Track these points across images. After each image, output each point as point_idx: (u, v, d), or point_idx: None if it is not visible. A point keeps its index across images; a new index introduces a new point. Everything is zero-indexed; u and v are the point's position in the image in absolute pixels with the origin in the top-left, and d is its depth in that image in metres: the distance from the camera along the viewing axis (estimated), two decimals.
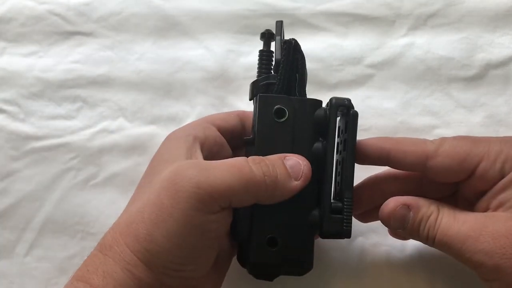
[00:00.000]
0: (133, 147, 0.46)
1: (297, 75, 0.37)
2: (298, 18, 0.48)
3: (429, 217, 0.35)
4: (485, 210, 0.35)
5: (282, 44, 0.37)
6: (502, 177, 0.35)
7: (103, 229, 0.43)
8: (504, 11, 0.47)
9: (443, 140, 0.36)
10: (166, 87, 0.47)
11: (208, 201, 0.32)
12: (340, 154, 0.37)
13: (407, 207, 0.35)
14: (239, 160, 0.34)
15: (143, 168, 0.38)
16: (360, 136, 0.36)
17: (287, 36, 0.37)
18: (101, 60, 0.47)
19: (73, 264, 0.44)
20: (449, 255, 0.35)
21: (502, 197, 0.35)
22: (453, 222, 0.34)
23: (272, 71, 0.38)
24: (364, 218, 0.40)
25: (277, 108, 0.36)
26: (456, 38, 0.47)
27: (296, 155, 0.35)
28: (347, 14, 0.48)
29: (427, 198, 0.38)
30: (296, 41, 0.37)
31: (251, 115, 0.38)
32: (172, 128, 0.45)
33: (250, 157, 0.34)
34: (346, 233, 0.35)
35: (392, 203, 0.36)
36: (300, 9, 0.48)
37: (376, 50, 0.47)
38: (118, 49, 0.48)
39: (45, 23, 0.48)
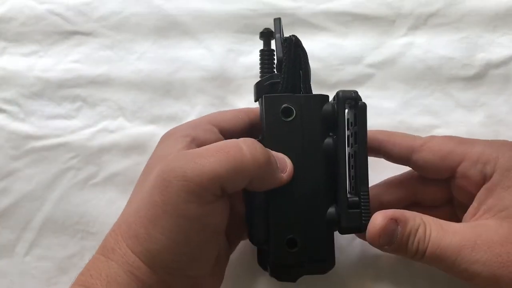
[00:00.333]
0: (133, 147, 0.46)
1: (300, 71, 0.37)
2: (298, 18, 0.47)
3: (417, 230, 0.34)
4: (474, 216, 0.35)
5: (282, 41, 0.36)
6: (484, 178, 0.35)
7: (103, 228, 0.44)
8: (504, 11, 0.47)
9: (432, 137, 0.38)
10: (166, 87, 0.47)
11: (198, 191, 0.31)
12: (351, 147, 0.37)
13: (395, 221, 0.34)
14: (227, 143, 0.33)
15: (143, 168, 0.38)
16: None
17: (286, 35, 0.37)
18: (101, 60, 0.47)
19: (73, 264, 0.44)
20: (439, 268, 0.34)
21: (489, 202, 0.35)
22: (443, 234, 0.33)
23: (275, 70, 0.38)
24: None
25: (284, 108, 0.36)
26: (456, 37, 0.47)
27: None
28: (347, 14, 0.48)
29: (422, 205, 0.39)
30: (296, 37, 0.36)
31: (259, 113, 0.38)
32: (171, 128, 0.45)
33: (242, 139, 0.33)
34: (365, 227, 0.34)
35: (380, 218, 0.34)
36: (301, 8, 0.48)
37: (376, 50, 0.47)
38: (118, 49, 0.48)
39: (45, 22, 0.48)
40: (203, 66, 0.47)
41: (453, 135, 0.40)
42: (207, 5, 0.48)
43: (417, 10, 0.47)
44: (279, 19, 0.37)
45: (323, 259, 0.36)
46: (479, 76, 0.46)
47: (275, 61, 0.38)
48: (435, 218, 0.35)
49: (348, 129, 0.37)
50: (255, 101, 0.38)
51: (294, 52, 0.36)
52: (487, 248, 0.32)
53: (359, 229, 0.35)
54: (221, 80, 0.47)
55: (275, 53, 0.38)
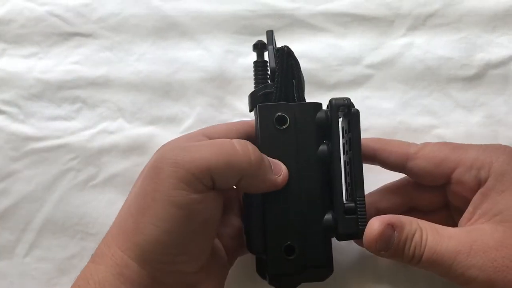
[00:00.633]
0: (133, 148, 0.46)
1: (293, 80, 0.37)
2: (297, 19, 0.48)
3: (413, 235, 0.34)
4: (469, 220, 0.35)
5: (275, 52, 0.37)
6: (479, 183, 0.35)
7: (102, 229, 0.44)
8: (503, 11, 0.47)
9: (426, 144, 0.38)
10: (165, 88, 0.47)
11: (188, 178, 0.31)
12: (346, 154, 0.37)
13: (391, 226, 0.34)
14: (221, 139, 0.34)
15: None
16: None
17: (285, 36, 0.37)
18: (101, 61, 0.47)
19: (73, 265, 0.44)
20: (435, 272, 0.34)
21: (484, 207, 0.35)
22: (439, 239, 0.33)
23: (269, 81, 0.39)
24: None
25: (277, 116, 0.36)
26: (455, 38, 0.47)
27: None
28: (346, 14, 0.48)
29: (418, 210, 0.39)
30: (288, 48, 0.37)
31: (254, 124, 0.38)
32: (171, 129, 0.46)
33: (236, 139, 0.34)
34: (362, 232, 0.35)
35: (377, 224, 0.34)
36: (299, 9, 0.48)
37: (375, 50, 0.47)
38: (117, 50, 0.48)
39: (44, 24, 0.48)
40: (202, 67, 0.47)
41: (453, 135, 0.40)
42: (205, 6, 0.48)
43: (416, 10, 0.47)
44: (271, 31, 0.38)
45: (321, 265, 0.36)
46: (478, 76, 0.46)
47: (269, 72, 0.38)
48: (431, 223, 0.35)
49: (342, 137, 0.37)
50: (250, 111, 0.39)
51: (287, 62, 0.37)
52: (482, 253, 0.32)
53: (356, 235, 0.35)
54: (220, 81, 0.47)
55: (268, 64, 0.38)
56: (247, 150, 0.33)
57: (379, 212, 0.36)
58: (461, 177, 0.36)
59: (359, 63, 0.47)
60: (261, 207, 0.36)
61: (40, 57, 0.48)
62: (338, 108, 0.36)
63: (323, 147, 0.36)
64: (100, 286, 0.31)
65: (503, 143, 0.37)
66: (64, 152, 0.46)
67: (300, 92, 0.37)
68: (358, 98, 0.46)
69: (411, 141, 0.39)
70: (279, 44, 0.38)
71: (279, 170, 0.35)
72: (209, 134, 0.38)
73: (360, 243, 0.39)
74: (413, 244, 0.33)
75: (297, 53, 0.37)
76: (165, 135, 0.45)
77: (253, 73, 0.39)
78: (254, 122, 0.39)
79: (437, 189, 0.38)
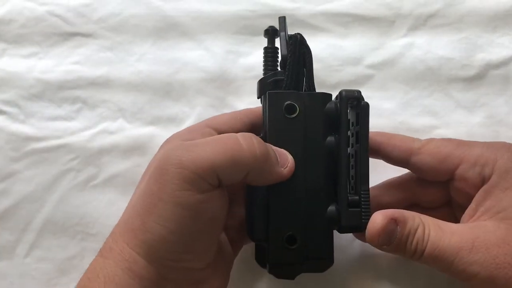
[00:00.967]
0: (133, 148, 0.46)
1: (304, 69, 0.37)
2: (298, 19, 0.47)
3: (416, 230, 0.34)
4: (472, 217, 0.35)
5: (287, 39, 0.36)
6: (483, 180, 0.35)
7: (103, 230, 0.44)
8: (504, 11, 0.47)
9: (430, 140, 0.38)
10: (166, 88, 0.47)
11: (194, 179, 0.31)
12: (352, 147, 0.37)
13: (394, 221, 0.34)
14: (225, 135, 0.34)
15: (143, 169, 0.38)
16: None
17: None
18: (101, 61, 0.47)
19: (73, 265, 0.44)
20: (437, 268, 0.34)
21: (487, 204, 0.35)
22: (442, 234, 0.33)
23: (279, 68, 0.38)
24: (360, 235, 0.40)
25: (287, 104, 0.36)
26: (456, 38, 0.47)
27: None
28: (346, 15, 0.48)
29: (421, 206, 0.39)
30: (301, 36, 0.37)
31: (260, 113, 0.38)
32: (171, 129, 0.46)
33: (240, 133, 0.34)
34: (365, 226, 0.35)
35: (380, 218, 0.34)
36: (300, 9, 0.48)
37: (375, 51, 0.47)
38: (117, 50, 0.48)
39: (45, 24, 0.48)
40: (202, 67, 0.47)
41: (453, 135, 0.40)
42: (206, 6, 0.48)
43: (416, 10, 0.47)
44: (284, 17, 0.38)
45: (322, 257, 0.36)
46: (479, 77, 0.46)
47: (279, 59, 0.38)
48: (433, 219, 0.35)
49: (349, 129, 0.37)
50: (258, 97, 0.39)
51: (299, 50, 0.36)
52: (484, 250, 0.32)
53: (359, 228, 0.35)
54: (220, 81, 0.47)
55: (279, 50, 0.38)
56: (252, 144, 0.33)
57: (381, 207, 0.36)
58: (465, 173, 0.36)
59: (360, 63, 0.47)
60: (264, 196, 0.36)
61: (40, 57, 0.48)
62: (348, 100, 0.36)
63: (330, 139, 0.36)
64: (109, 279, 0.31)
65: None
66: (64, 152, 0.46)
67: (310, 81, 0.37)
68: None
69: None
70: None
71: (285, 161, 0.35)
72: (213, 125, 0.38)
73: (360, 237, 0.40)
74: (415, 239, 0.34)
75: None
76: (165, 135, 0.44)
77: (263, 59, 0.39)
78: (258, 110, 0.39)
79: (440, 185, 0.38)
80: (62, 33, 0.48)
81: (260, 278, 0.43)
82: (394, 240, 0.34)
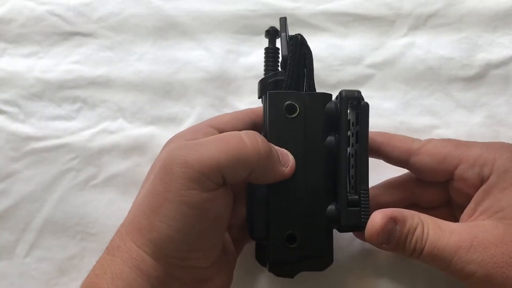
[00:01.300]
0: (133, 148, 0.46)
1: (305, 70, 0.37)
2: (298, 18, 0.47)
3: (415, 229, 0.34)
4: (470, 217, 0.36)
5: (288, 40, 0.37)
6: (482, 180, 0.36)
7: (103, 229, 0.44)
8: (504, 11, 0.47)
9: (429, 140, 0.38)
10: (166, 88, 0.47)
11: (198, 178, 0.31)
12: (352, 147, 0.37)
13: (394, 220, 0.34)
14: (229, 133, 0.34)
15: (143, 169, 0.39)
16: None
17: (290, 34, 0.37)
18: (101, 61, 0.47)
19: (73, 265, 0.44)
20: (435, 266, 0.34)
21: (485, 204, 0.35)
22: (440, 233, 0.34)
23: (279, 68, 0.39)
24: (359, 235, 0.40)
25: (287, 104, 0.36)
26: (456, 38, 0.47)
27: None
28: (347, 14, 0.48)
29: (420, 206, 0.40)
30: (302, 36, 0.37)
31: (261, 112, 0.38)
32: (171, 129, 0.46)
33: (244, 131, 0.34)
34: (364, 225, 0.35)
35: (379, 218, 0.34)
36: (300, 9, 0.48)
37: (376, 50, 0.47)
38: (117, 50, 0.48)
39: (45, 23, 0.48)
40: (202, 67, 0.47)
41: (454, 135, 0.40)
42: (206, 5, 0.48)
43: (416, 10, 0.47)
44: (285, 18, 0.38)
45: (322, 255, 0.36)
46: (479, 77, 0.46)
47: (280, 59, 0.38)
48: (432, 218, 0.35)
49: (349, 129, 0.37)
50: (259, 97, 0.39)
51: (299, 50, 0.37)
52: (482, 249, 0.33)
53: (358, 227, 0.35)
54: (220, 81, 0.47)
55: (279, 51, 0.38)
56: (256, 142, 0.33)
57: (380, 206, 0.36)
58: (464, 173, 0.36)
59: (360, 63, 0.47)
60: (265, 195, 0.36)
61: (40, 56, 0.48)
62: (348, 100, 0.36)
63: (330, 138, 0.36)
64: (117, 276, 0.32)
65: None
66: (64, 152, 0.46)
67: (311, 81, 0.37)
68: None
69: None
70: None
71: (287, 160, 0.35)
72: (215, 125, 0.38)
73: (360, 236, 0.40)
74: (414, 238, 0.34)
75: None
76: (165, 135, 0.45)
77: (264, 59, 0.39)
78: (260, 110, 0.39)
79: (439, 186, 0.39)
80: (62, 33, 0.48)
81: (260, 277, 0.43)
82: (393, 239, 0.34)
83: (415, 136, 0.40)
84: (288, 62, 0.37)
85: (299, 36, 0.37)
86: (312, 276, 0.41)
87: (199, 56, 0.47)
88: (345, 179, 0.36)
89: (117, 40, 0.48)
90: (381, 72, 0.47)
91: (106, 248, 0.34)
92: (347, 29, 0.47)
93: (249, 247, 0.41)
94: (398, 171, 0.40)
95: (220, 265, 0.35)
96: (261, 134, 0.37)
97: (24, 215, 0.45)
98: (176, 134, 0.39)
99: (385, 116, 0.46)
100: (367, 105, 0.36)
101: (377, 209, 0.35)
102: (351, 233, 0.41)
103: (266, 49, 0.39)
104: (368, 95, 0.46)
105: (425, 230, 0.34)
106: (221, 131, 0.38)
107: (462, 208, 0.37)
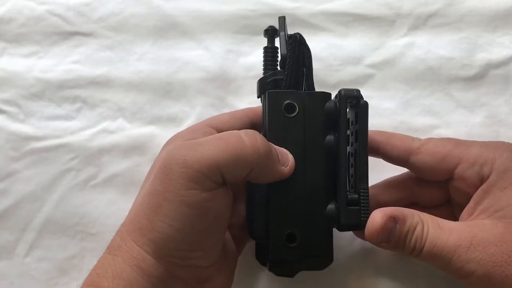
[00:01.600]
0: (133, 148, 0.46)
1: (304, 69, 0.37)
2: (298, 18, 0.47)
3: (415, 227, 0.34)
4: (470, 216, 0.36)
5: (287, 39, 0.37)
6: (481, 180, 0.36)
7: (103, 229, 0.44)
8: (504, 11, 0.47)
9: (429, 139, 0.38)
10: (166, 88, 0.47)
11: (198, 178, 0.31)
12: (352, 145, 0.37)
13: (393, 219, 0.34)
14: (229, 133, 0.34)
15: (143, 169, 0.39)
16: None
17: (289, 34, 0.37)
18: (101, 61, 0.47)
19: (73, 265, 0.44)
20: (435, 265, 0.34)
21: (485, 203, 0.35)
22: (440, 232, 0.34)
23: (278, 67, 0.39)
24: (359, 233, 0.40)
25: (287, 103, 0.36)
26: (456, 38, 0.47)
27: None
28: (347, 14, 0.48)
29: (420, 205, 0.40)
30: (301, 35, 0.37)
31: (260, 112, 0.38)
32: (171, 129, 0.46)
33: (243, 130, 0.34)
34: (364, 224, 0.35)
35: (379, 216, 0.34)
36: (300, 9, 0.48)
37: (376, 50, 0.47)
38: (117, 50, 0.48)
39: (45, 23, 0.48)
40: (202, 67, 0.47)
41: (454, 135, 0.40)
42: (206, 5, 0.48)
43: (417, 10, 0.47)
44: (284, 17, 0.38)
45: (321, 254, 0.37)
46: (479, 76, 0.46)
47: (279, 59, 0.38)
48: (432, 216, 0.35)
49: (349, 128, 0.37)
50: (258, 97, 0.39)
51: (298, 49, 0.37)
52: (482, 248, 0.33)
53: (358, 226, 0.35)
54: (221, 81, 0.47)
55: (278, 50, 0.38)
56: (255, 141, 0.33)
57: (380, 205, 0.36)
58: (464, 173, 0.36)
59: (360, 63, 0.47)
60: (264, 194, 0.36)
61: (40, 56, 0.48)
62: (347, 99, 0.36)
63: (330, 137, 0.36)
64: (118, 275, 0.32)
65: None
66: (64, 152, 0.46)
67: (310, 81, 0.38)
68: None
69: None
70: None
71: (286, 159, 0.35)
72: (214, 124, 0.38)
73: (360, 235, 0.40)
74: (414, 237, 0.34)
75: None
76: (165, 135, 0.45)
77: (263, 58, 0.39)
78: (258, 109, 0.39)
79: (439, 185, 0.39)
80: (62, 32, 0.48)
81: (260, 276, 0.43)
82: (393, 238, 0.34)
83: (415, 135, 0.40)
84: (287, 61, 0.37)
85: (298, 35, 0.37)
86: (312, 276, 0.41)
87: (199, 56, 0.47)
88: (344, 178, 0.36)
89: (117, 40, 0.48)
90: (381, 72, 0.47)
91: (107, 248, 0.34)
92: (347, 29, 0.47)
93: (249, 247, 0.41)
94: (397, 170, 0.41)
95: (221, 264, 0.35)
96: (260, 133, 0.37)
97: (24, 215, 0.45)
98: (175, 134, 0.39)
99: (385, 116, 0.46)
100: (366, 103, 0.36)
101: (377, 208, 0.35)
102: (351, 232, 0.41)
103: (265, 48, 0.39)
104: (368, 95, 0.46)
105: (425, 229, 0.34)
106: (220, 130, 0.38)
107: (462, 207, 0.37)
